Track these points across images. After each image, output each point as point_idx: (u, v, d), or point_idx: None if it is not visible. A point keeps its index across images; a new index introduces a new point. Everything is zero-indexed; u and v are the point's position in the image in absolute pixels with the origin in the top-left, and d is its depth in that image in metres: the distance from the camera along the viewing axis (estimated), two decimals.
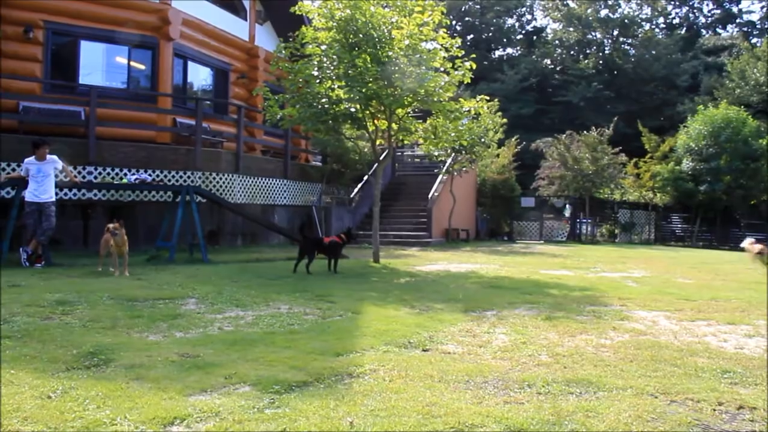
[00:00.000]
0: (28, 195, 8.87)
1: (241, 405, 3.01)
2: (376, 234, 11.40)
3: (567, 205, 24.84)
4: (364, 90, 9.98)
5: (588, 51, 47.01)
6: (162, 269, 8.69)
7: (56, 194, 9.27)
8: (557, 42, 48.19)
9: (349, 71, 10.14)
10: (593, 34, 47.06)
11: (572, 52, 47.28)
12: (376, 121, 11.34)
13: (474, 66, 10.60)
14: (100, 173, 11.43)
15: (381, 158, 11.81)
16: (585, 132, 23.63)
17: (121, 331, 4.60)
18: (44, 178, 8.92)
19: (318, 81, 10.66)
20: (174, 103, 14.26)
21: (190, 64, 15.17)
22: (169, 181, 12.21)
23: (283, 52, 11.03)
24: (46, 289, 6.35)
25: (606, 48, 46.89)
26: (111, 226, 8.07)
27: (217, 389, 3.26)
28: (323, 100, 10.66)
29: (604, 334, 4.96)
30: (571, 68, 43.56)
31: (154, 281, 7.34)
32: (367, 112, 10.89)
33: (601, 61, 44.98)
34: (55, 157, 9.15)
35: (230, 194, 13.23)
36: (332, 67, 10.53)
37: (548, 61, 47.13)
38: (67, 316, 5.08)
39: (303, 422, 2.81)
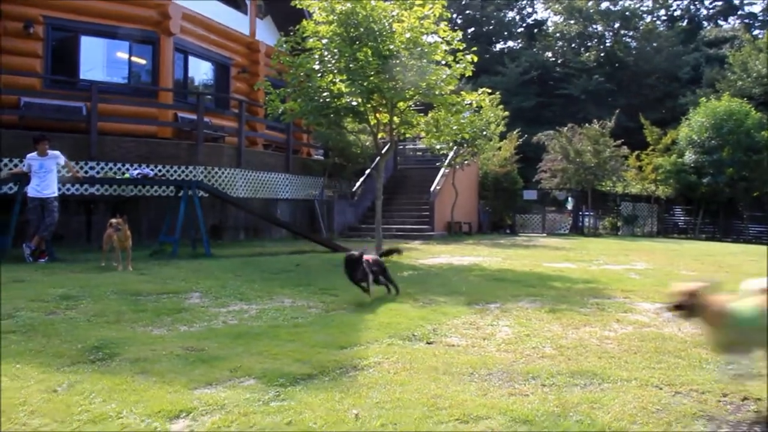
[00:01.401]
0: (31, 191, 8.89)
1: (246, 398, 3.02)
2: (378, 227, 11.41)
3: (569, 198, 24.82)
4: (365, 83, 9.94)
5: (589, 44, 46.81)
6: (165, 264, 8.69)
7: (59, 190, 9.29)
8: (558, 35, 47.96)
9: (351, 65, 10.10)
10: (594, 26, 46.85)
11: (573, 45, 47.07)
12: (377, 115, 11.31)
13: (475, 59, 10.54)
14: (102, 168, 11.43)
15: (383, 152, 11.79)
16: (587, 125, 23.57)
17: (125, 326, 4.62)
18: (46, 174, 8.93)
19: (319, 75, 10.63)
20: (175, 98, 14.23)
21: (191, 59, 15.13)
22: (171, 176, 12.23)
23: (284, 46, 11.00)
24: (49, 284, 6.36)
25: (607, 41, 46.69)
26: (114, 221, 8.08)
27: (223, 382, 3.27)
28: (325, 94, 10.63)
29: (608, 326, 4.96)
30: (572, 61, 43.40)
31: (157, 276, 7.35)
32: (369, 105, 10.85)
33: (602, 54, 44.78)
34: (57, 152, 9.17)
35: (232, 189, 13.23)
36: (333, 61, 10.49)
37: (549, 54, 46.96)
38: (71, 310, 5.09)
39: (308, 414, 2.81)
